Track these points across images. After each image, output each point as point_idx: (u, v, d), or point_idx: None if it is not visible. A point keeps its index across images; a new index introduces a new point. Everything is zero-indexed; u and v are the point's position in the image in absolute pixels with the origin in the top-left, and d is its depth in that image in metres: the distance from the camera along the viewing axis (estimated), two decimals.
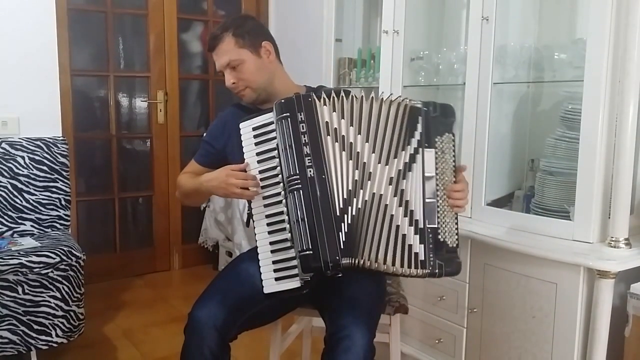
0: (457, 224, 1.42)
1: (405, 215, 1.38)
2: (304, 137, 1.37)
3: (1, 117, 2.72)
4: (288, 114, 1.38)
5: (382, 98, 1.42)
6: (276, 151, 1.43)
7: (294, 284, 1.41)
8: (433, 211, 1.39)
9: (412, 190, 1.39)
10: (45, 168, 2.64)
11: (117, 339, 2.68)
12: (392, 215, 1.38)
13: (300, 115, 1.38)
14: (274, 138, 1.45)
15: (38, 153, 2.64)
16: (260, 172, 1.46)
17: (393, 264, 1.37)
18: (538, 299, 1.77)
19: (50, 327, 2.20)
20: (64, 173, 2.69)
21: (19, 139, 2.65)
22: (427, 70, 2.32)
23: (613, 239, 1.63)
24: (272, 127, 1.45)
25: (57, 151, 2.68)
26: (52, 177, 2.66)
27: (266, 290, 1.45)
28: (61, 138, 2.75)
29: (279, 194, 1.43)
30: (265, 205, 1.46)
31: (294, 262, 1.41)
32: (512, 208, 2.04)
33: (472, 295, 2.00)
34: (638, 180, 1.79)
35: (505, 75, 2.00)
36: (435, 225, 1.39)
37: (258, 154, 1.47)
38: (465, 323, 2.03)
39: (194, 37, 3.79)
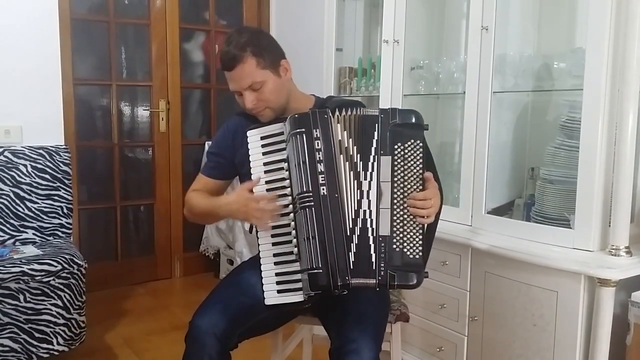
0: (421, 235, 1.37)
1: (370, 225, 1.36)
2: (319, 154, 1.36)
3: (4, 126, 2.74)
4: (303, 129, 1.38)
5: (355, 113, 1.41)
6: (285, 163, 1.43)
7: (297, 297, 1.41)
8: (386, 219, 1.35)
9: (371, 199, 1.37)
10: (47, 176, 2.65)
11: (118, 347, 2.67)
12: (367, 229, 1.37)
13: (316, 131, 1.38)
14: (283, 149, 1.45)
15: (40, 161, 2.65)
16: (267, 182, 1.46)
17: (366, 277, 1.35)
18: (539, 307, 1.77)
19: (52, 335, 2.20)
20: (66, 181, 2.70)
21: (22, 147, 2.66)
22: (427, 80, 2.33)
23: (613, 247, 1.63)
24: (282, 137, 1.46)
25: (59, 159, 2.70)
26: (54, 185, 2.66)
27: (267, 302, 1.45)
28: (63, 146, 2.76)
29: (286, 206, 1.42)
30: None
31: (298, 276, 1.41)
32: (513, 216, 2.05)
33: (473, 304, 1.99)
34: (638, 189, 1.79)
35: (505, 84, 2.01)
36: (388, 234, 1.35)
37: (265, 163, 1.47)
38: (466, 331, 2.02)
39: (195, 47, 3.81)
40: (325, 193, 1.35)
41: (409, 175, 1.37)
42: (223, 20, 3.90)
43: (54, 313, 2.20)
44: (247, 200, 1.44)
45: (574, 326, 1.68)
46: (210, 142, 3.64)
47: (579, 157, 1.69)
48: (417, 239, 1.36)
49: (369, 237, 1.36)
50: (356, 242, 1.36)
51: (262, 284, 1.46)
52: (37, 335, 2.18)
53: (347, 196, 1.37)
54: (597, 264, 1.61)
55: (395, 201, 1.36)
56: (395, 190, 1.36)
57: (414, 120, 1.40)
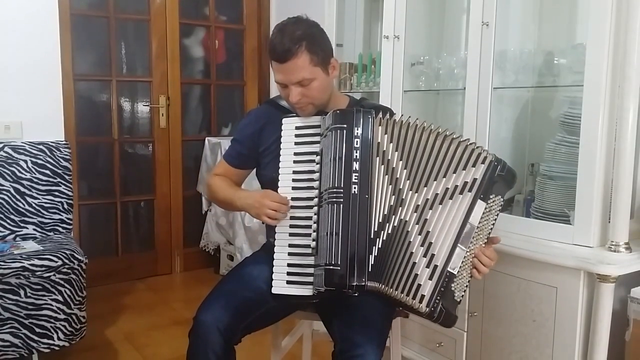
0: (469, 282, 1.40)
1: (421, 245, 1.35)
2: (356, 152, 1.37)
3: (4, 122, 2.74)
4: (345, 125, 1.38)
5: (447, 135, 1.39)
6: (317, 157, 1.43)
7: (305, 291, 1.42)
8: (459, 258, 1.35)
9: (437, 223, 1.36)
10: (47, 172, 2.66)
11: (118, 342, 2.68)
12: (409, 242, 1.36)
13: (357, 130, 1.38)
14: (317, 142, 1.46)
15: (41, 157, 2.65)
16: (295, 172, 1.47)
17: (402, 291, 1.35)
18: (538, 303, 1.77)
19: (52, 331, 2.21)
20: (67, 177, 2.70)
21: (22, 143, 2.66)
22: (427, 75, 2.33)
23: (613, 243, 1.63)
24: (317, 130, 1.47)
25: (59, 155, 2.70)
26: (55, 181, 2.67)
27: (274, 291, 1.45)
28: (64, 142, 2.76)
29: (310, 199, 1.43)
30: (293, 207, 1.46)
31: (310, 270, 1.41)
32: (513, 212, 2.05)
33: (472, 299, 2.00)
34: (638, 185, 1.79)
35: (506, 80, 2.01)
36: (455, 273, 1.35)
37: (296, 153, 1.49)
38: (465, 327, 2.03)
39: (195, 42, 3.81)
40: (356, 192, 1.35)
41: (485, 227, 1.39)
42: (223, 15, 3.89)
43: (55, 308, 2.20)
44: (262, 197, 1.47)
45: (573, 322, 1.68)
46: (210, 138, 3.66)
47: (579, 153, 1.68)
48: (465, 284, 1.39)
49: (434, 265, 1.34)
50: (379, 247, 1.36)
51: (273, 272, 1.46)
52: (37, 330, 2.18)
53: (376, 199, 1.37)
54: (596, 260, 1.62)
55: (470, 245, 1.37)
56: (474, 235, 1.37)
57: (513, 181, 1.42)
